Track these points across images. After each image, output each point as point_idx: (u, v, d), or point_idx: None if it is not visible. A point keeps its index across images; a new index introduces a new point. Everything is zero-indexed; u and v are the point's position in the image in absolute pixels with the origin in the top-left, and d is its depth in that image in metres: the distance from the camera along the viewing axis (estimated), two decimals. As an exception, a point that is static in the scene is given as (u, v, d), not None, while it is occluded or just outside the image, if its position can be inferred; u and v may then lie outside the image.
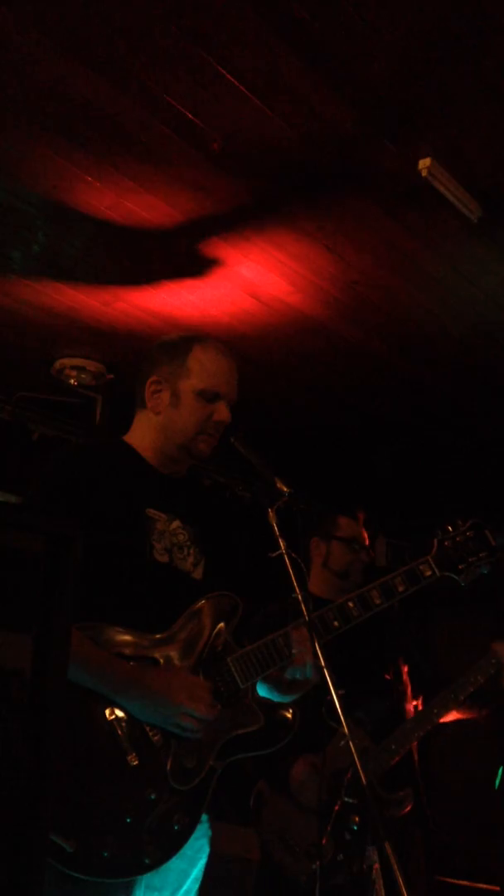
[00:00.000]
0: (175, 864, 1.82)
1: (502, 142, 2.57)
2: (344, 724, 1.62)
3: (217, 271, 3.33)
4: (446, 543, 2.14)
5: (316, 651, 1.75)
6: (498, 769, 3.66)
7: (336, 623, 2.03)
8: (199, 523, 2.08)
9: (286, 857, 2.55)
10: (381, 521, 5.73)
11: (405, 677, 2.97)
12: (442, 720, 2.88)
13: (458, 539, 2.15)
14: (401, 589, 2.09)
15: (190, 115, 2.49)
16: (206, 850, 1.94)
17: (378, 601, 2.07)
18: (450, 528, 2.17)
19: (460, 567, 2.13)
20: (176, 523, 2.03)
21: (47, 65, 2.31)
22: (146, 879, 1.80)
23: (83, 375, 4.05)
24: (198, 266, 3.31)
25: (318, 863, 2.32)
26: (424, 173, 2.62)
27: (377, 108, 2.46)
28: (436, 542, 2.15)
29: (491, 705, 2.94)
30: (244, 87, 2.37)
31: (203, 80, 2.36)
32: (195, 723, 1.82)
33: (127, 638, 1.87)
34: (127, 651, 1.86)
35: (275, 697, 1.99)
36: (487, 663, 2.76)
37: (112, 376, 4.09)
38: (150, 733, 1.81)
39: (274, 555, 1.84)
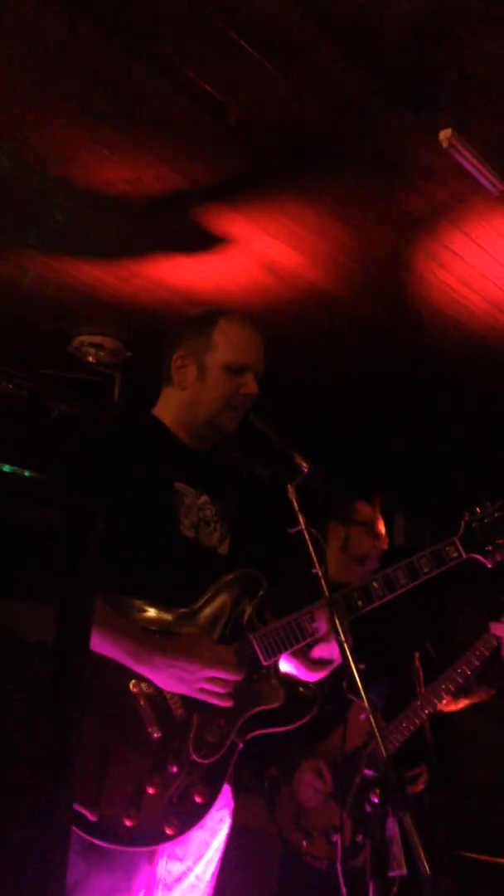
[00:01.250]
0: (197, 833, 1.84)
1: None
2: (364, 698, 1.63)
3: (234, 246, 3.31)
4: (473, 525, 2.13)
5: (336, 626, 1.75)
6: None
7: (360, 602, 2.03)
8: (226, 498, 2.08)
9: (303, 842, 2.56)
10: (399, 498, 5.72)
11: (417, 660, 2.98)
12: (452, 708, 2.90)
13: (486, 520, 2.14)
14: (426, 570, 2.08)
15: (207, 87, 2.46)
16: (228, 820, 1.96)
17: (403, 581, 2.07)
18: (478, 509, 2.16)
19: (488, 549, 2.12)
20: (204, 498, 2.03)
21: (58, 32, 2.29)
22: (168, 849, 1.82)
23: (101, 353, 4.05)
24: (215, 241, 3.28)
25: (358, 838, 2.31)
26: (445, 144, 2.58)
27: (396, 78, 2.42)
28: (463, 523, 2.14)
29: (497, 685, 2.95)
30: (262, 56, 2.34)
31: (220, 51, 2.33)
32: (221, 686, 1.83)
33: (151, 612, 1.88)
34: (151, 625, 1.87)
35: (301, 675, 2.00)
36: (487, 642, 2.78)
37: (130, 354, 4.09)
38: (173, 707, 1.83)
39: (293, 531, 1.84)
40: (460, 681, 2.74)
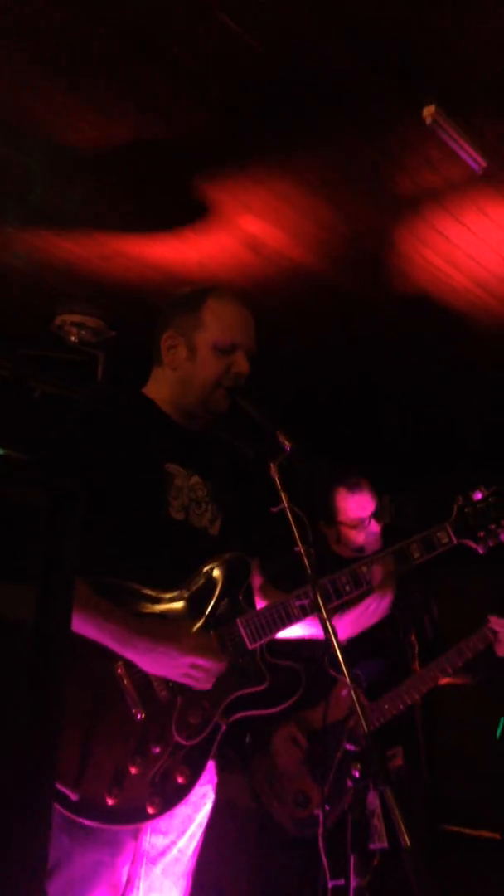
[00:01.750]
0: (181, 809, 1.86)
1: (508, 87, 2.51)
2: (346, 673, 1.64)
3: (218, 224, 3.28)
4: (467, 510, 2.12)
5: (318, 603, 1.76)
6: (499, 719, 3.72)
7: (348, 587, 2.03)
8: (218, 478, 2.08)
9: (273, 802, 2.62)
10: (385, 477, 5.74)
11: (414, 641, 2.98)
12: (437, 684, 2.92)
13: (479, 506, 2.12)
14: (416, 555, 2.08)
15: (186, 58, 2.43)
16: (212, 796, 1.98)
17: (393, 567, 2.07)
18: (472, 494, 2.14)
19: (480, 534, 2.11)
20: (195, 478, 2.02)
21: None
22: (153, 823, 1.84)
23: (84, 332, 4.02)
24: (198, 219, 3.26)
25: (325, 807, 2.37)
26: (429, 121, 2.57)
27: (380, 54, 2.39)
28: (455, 507, 2.12)
29: (484, 675, 2.96)
30: (243, 29, 2.31)
31: (198, 23, 2.29)
32: (204, 674, 1.84)
33: (138, 593, 1.88)
34: (137, 607, 1.87)
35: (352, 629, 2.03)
36: (483, 634, 2.78)
37: (113, 333, 4.06)
38: (158, 689, 1.83)
39: (275, 509, 1.84)
40: (449, 670, 2.74)
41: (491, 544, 2.13)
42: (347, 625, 2.11)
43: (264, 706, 1.98)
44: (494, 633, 2.77)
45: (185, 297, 2.09)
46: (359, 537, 2.97)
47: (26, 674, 1.15)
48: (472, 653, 2.76)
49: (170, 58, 2.42)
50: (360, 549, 2.94)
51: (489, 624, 2.80)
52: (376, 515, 2.99)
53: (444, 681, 2.91)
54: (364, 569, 2.05)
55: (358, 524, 2.96)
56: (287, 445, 1.87)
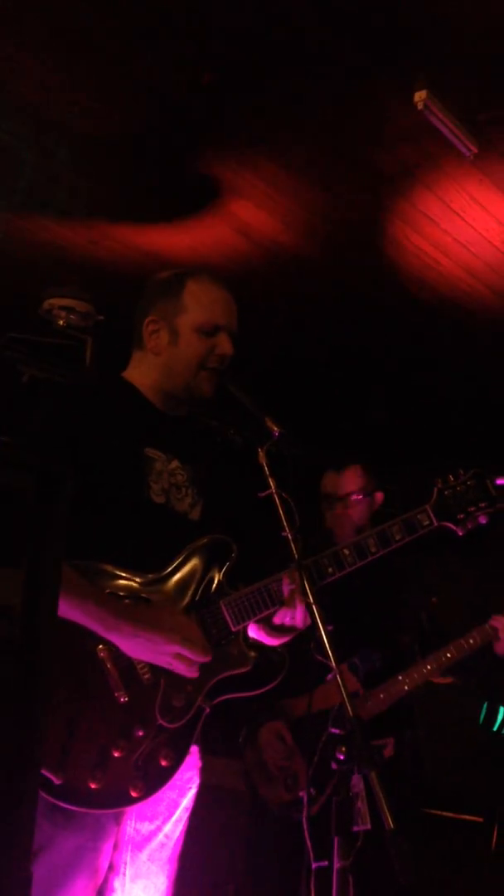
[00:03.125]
0: (166, 794, 1.86)
1: (497, 72, 2.50)
2: (332, 657, 1.65)
3: (207, 208, 3.26)
4: (446, 493, 2.12)
5: (305, 589, 1.76)
6: (482, 705, 3.75)
7: (330, 569, 2.03)
8: (198, 463, 2.07)
9: (263, 785, 2.64)
10: (371, 464, 5.75)
11: (417, 627, 2.98)
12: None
13: (458, 488, 2.13)
14: (398, 537, 2.08)
15: (181, 41, 2.41)
16: (196, 780, 1.98)
17: (374, 549, 2.06)
18: (451, 477, 2.15)
19: (459, 517, 2.11)
20: (175, 463, 2.02)
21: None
22: (137, 809, 1.84)
23: (72, 316, 4.00)
24: (187, 203, 3.24)
25: (311, 790, 2.39)
26: (420, 106, 2.56)
27: (371, 37, 2.38)
28: (436, 490, 2.13)
29: (463, 678, 2.96)
30: (235, 10, 2.29)
31: (194, 3, 2.27)
32: (188, 663, 1.84)
33: (121, 577, 1.88)
34: (120, 590, 1.87)
35: (264, 640, 2.01)
36: (484, 631, 2.78)
37: (102, 317, 4.04)
38: (140, 671, 1.83)
39: (263, 494, 1.84)
40: (446, 664, 2.74)
41: (470, 526, 2.14)
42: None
43: (248, 689, 1.98)
44: (495, 630, 2.77)
45: (164, 280, 2.08)
46: (327, 515, 2.96)
47: (12, 658, 1.15)
48: (473, 649, 2.76)
49: (159, 39, 2.40)
50: (331, 531, 2.93)
51: (490, 622, 2.80)
52: (356, 501, 2.95)
53: (438, 681, 2.89)
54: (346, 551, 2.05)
55: (331, 498, 2.95)
56: (276, 431, 1.87)
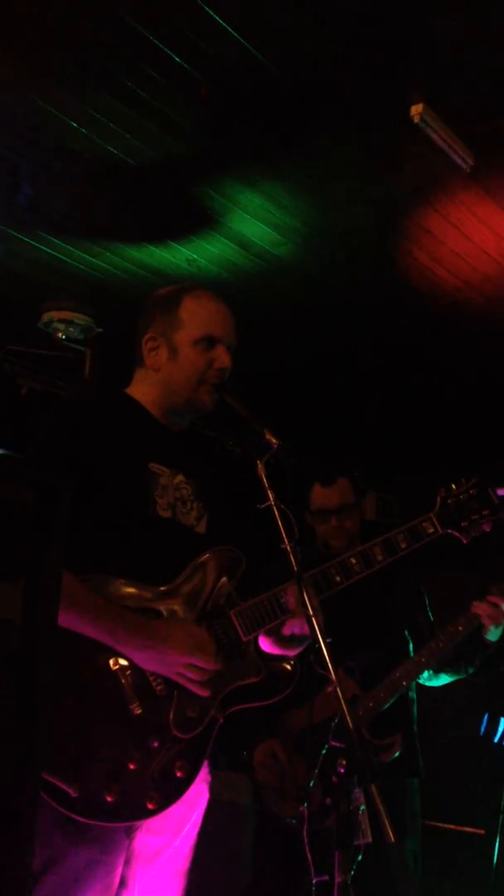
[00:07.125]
0: (176, 808, 1.85)
1: (493, 85, 2.52)
2: (332, 670, 1.64)
3: (205, 222, 3.28)
4: (449, 501, 2.15)
5: (304, 600, 1.76)
6: (483, 716, 3.74)
7: (338, 578, 2.04)
8: (202, 477, 2.08)
9: (275, 800, 2.64)
10: (369, 475, 5.76)
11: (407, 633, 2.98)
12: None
13: (461, 497, 2.15)
14: (403, 546, 2.10)
15: (176, 58, 2.43)
16: (206, 795, 1.97)
17: (380, 557, 2.08)
18: (453, 485, 2.17)
19: (463, 524, 2.14)
20: (179, 477, 2.02)
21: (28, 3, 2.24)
22: (147, 823, 1.83)
23: (71, 329, 4.01)
24: (186, 217, 3.26)
25: (305, 805, 2.39)
26: (417, 119, 2.58)
27: (368, 52, 2.40)
28: (439, 499, 2.15)
29: (472, 663, 2.97)
30: (232, 28, 2.31)
31: (189, 21, 2.29)
32: (200, 674, 1.84)
33: (131, 590, 1.88)
34: (130, 603, 1.87)
35: (275, 651, 2.01)
36: (468, 617, 2.81)
37: (101, 330, 4.05)
38: (154, 683, 1.83)
39: (262, 506, 1.84)
40: (438, 654, 2.76)
41: (474, 534, 2.16)
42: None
43: (259, 699, 1.98)
44: (478, 616, 2.80)
45: (162, 297, 2.10)
46: (319, 529, 2.96)
47: (12, 672, 1.15)
48: (461, 636, 2.78)
49: (162, 61, 2.42)
50: (325, 544, 2.93)
51: (472, 609, 2.83)
52: (349, 511, 2.93)
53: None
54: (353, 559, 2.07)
55: (323, 512, 2.94)
56: (274, 443, 1.87)
